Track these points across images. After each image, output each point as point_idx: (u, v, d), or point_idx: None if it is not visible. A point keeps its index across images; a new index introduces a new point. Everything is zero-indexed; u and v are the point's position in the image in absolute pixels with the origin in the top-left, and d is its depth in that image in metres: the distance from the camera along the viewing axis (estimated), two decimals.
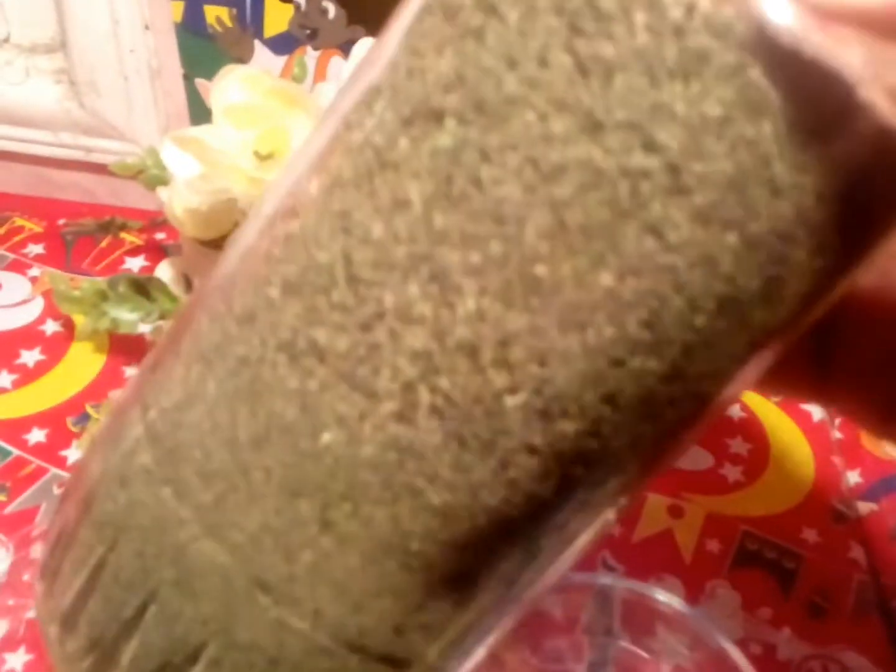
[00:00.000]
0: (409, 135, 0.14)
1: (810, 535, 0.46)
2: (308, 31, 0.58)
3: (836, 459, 0.50)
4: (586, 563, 0.44)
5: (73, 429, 0.51)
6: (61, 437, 0.50)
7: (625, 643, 0.37)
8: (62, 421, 0.51)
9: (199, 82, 0.62)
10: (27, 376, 0.54)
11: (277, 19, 0.57)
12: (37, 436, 0.50)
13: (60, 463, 0.48)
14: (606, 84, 0.13)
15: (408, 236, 0.14)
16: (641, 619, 0.37)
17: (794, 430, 0.52)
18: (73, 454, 0.49)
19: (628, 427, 0.15)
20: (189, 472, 0.17)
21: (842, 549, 0.45)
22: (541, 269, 0.14)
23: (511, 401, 0.14)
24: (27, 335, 0.57)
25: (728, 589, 0.43)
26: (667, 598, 0.35)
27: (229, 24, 0.58)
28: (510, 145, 0.13)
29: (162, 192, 0.46)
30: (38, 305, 0.59)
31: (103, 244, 0.66)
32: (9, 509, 0.46)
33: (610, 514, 0.17)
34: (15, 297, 0.60)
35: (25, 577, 0.41)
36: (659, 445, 0.16)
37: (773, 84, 0.13)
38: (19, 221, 0.68)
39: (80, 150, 0.66)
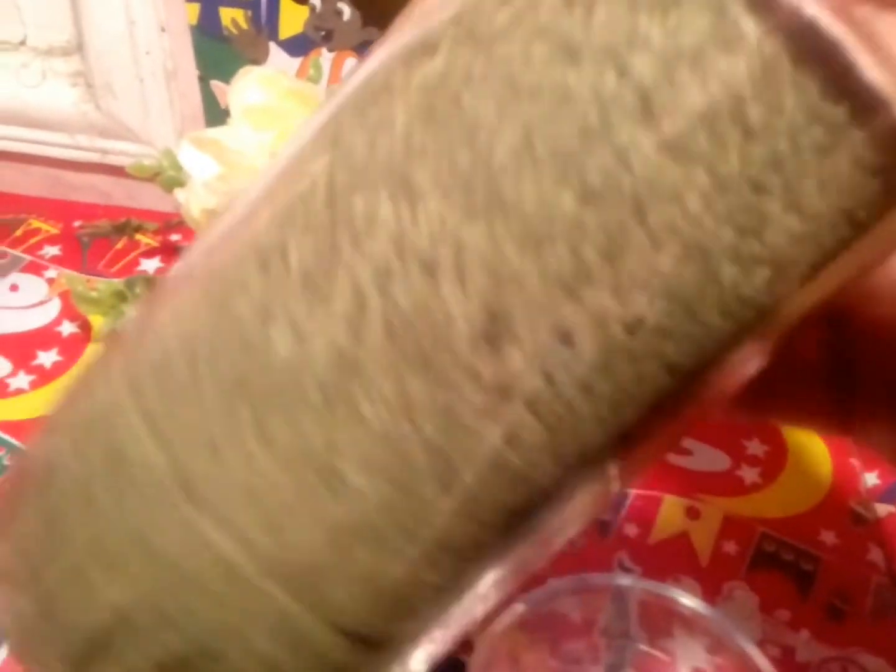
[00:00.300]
0: (407, 65, 0.15)
1: (828, 536, 0.45)
2: (323, 33, 0.58)
3: (854, 461, 0.50)
4: (603, 564, 0.44)
5: None
6: None
7: (643, 645, 0.37)
8: None
9: (215, 84, 0.62)
10: (44, 377, 0.54)
11: (292, 21, 0.58)
12: None
13: None
14: (588, 13, 0.13)
15: (387, 151, 0.14)
16: (659, 621, 0.36)
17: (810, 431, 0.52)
18: None
19: (583, 373, 0.14)
20: (144, 369, 0.16)
21: (860, 552, 0.45)
22: (505, 184, 0.14)
23: (461, 320, 0.14)
24: (44, 336, 0.57)
25: (745, 591, 0.43)
26: (685, 598, 0.35)
27: (244, 25, 0.58)
28: (493, 69, 0.14)
29: (179, 194, 0.46)
30: (54, 307, 0.60)
31: (119, 246, 0.66)
32: None
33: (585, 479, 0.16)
34: (32, 299, 0.60)
35: None
36: (625, 403, 0.15)
37: (753, 21, 0.12)
38: (35, 223, 0.68)
39: (96, 153, 0.67)
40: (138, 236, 0.67)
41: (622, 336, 0.14)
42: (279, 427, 0.15)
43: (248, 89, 0.34)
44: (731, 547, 0.45)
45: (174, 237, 0.67)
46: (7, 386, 0.53)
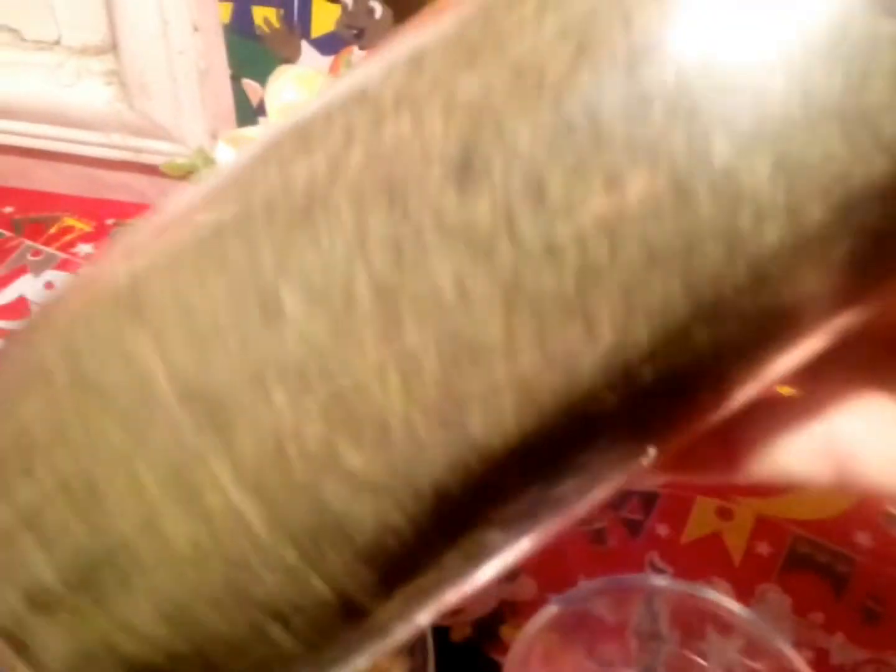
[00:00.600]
0: None
1: (863, 538, 0.45)
2: (355, 31, 0.58)
3: None
4: (634, 564, 0.44)
5: None
6: None
7: (675, 646, 0.37)
8: None
9: (247, 83, 0.62)
10: None
11: (325, 19, 0.58)
12: None
13: None
14: None
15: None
16: (692, 622, 0.36)
17: None
18: None
19: (547, 232, 0.14)
20: (146, 260, 0.16)
21: (895, 554, 0.44)
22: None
23: (436, 157, 0.14)
24: None
25: (779, 593, 0.43)
26: (718, 599, 0.35)
27: (277, 24, 0.59)
28: None
29: None
30: None
31: None
32: None
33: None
34: None
35: None
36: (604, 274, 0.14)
37: None
38: (69, 221, 0.69)
39: (129, 151, 0.67)
40: None
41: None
42: (236, 245, 0.15)
43: (284, 88, 0.34)
44: (763, 548, 0.45)
45: None
46: None
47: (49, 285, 0.62)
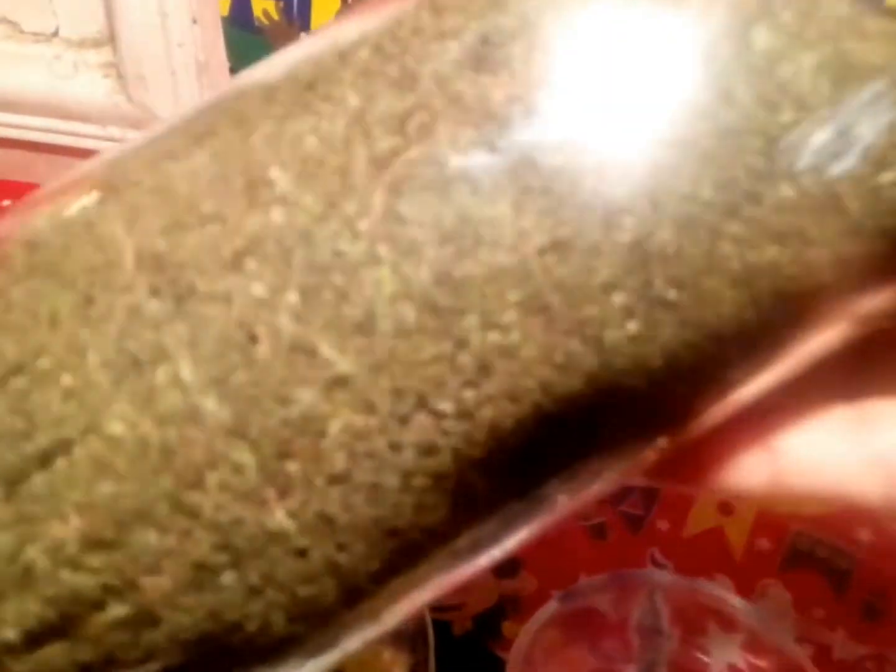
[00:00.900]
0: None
1: (864, 535, 0.45)
2: None
3: None
4: (635, 559, 0.44)
5: None
6: None
7: (676, 642, 0.37)
8: None
9: None
10: None
11: (324, 12, 0.57)
12: None
13: None
14: None
15: None
16: (693, 618, 0.36)
17: None
18: None
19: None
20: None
21: None
22: None
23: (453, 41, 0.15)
24: None
25: (780, 588, 0.43)
26: (720, 594, 0.35)
27: (276, 17, 0.58)
28: None
29: None
30: None
31: None
32: None
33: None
34: None
35: None
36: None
37: None
38: None
39: None
40: None
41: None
42: (226, 124, 0.15)
43: None
44: (764, 544, 0.45)
45: None
46: None
47: None
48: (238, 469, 0.13)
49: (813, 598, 0.42)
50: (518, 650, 0.30)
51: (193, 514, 0.14)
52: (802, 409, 0.18)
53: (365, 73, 0.14)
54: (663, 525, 0.45)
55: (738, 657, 0.35)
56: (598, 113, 0.14)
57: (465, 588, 0.42)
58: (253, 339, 0.13)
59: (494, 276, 0.13)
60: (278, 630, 0.14)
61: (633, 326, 0.14)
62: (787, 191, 0.14)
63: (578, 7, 0.14)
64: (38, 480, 0.14)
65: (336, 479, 0.14)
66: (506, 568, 0.43)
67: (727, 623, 0.35)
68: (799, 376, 0.17)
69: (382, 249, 0.13)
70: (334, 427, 0.13)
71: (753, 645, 0.34)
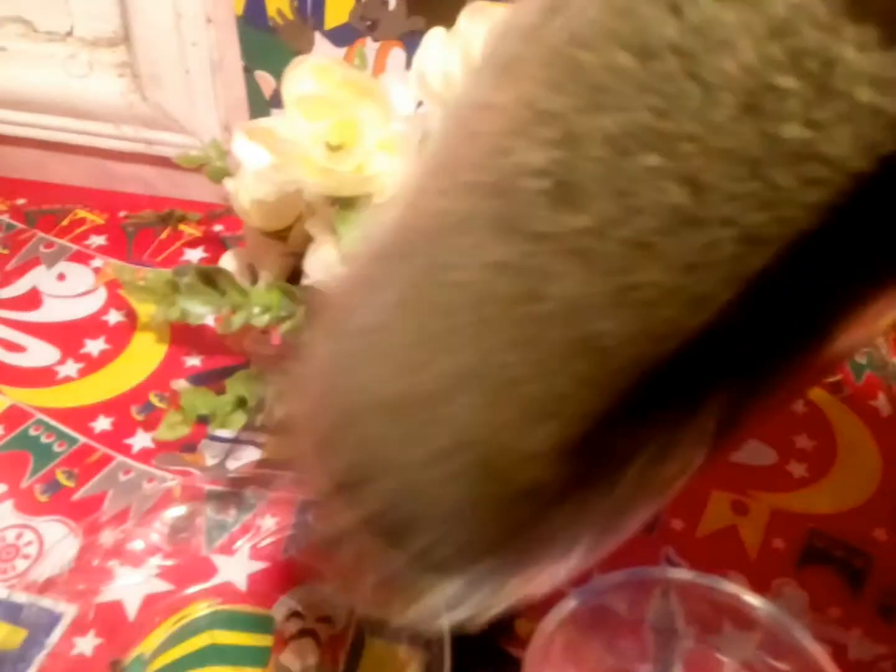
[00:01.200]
0: None
1: (880, 534, 0.45)
2: (368, 23, 0.58)
3: None
4: (649, 558, 0.43)
5: (138, 417, 0.51)
6: (126, 426, 0.51)
7: (692, 641, 0.36)
8: (126, 409, 0.52)
9: (259, 75, 0.62)
10: (92, 365, 0.55)
11: (338, 11, 0.57)
12: (102, 424, 0.51)
13: (126, 450, 0.49)
14: None
15: None
16: (708, 616, 0.36)
17: (860, 426, 0.51)
18: (137, 442, 0.49)
19: None
20: None
21: None
22: None
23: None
24: (91, 325, 0.58)
25: (795, 588, 0.42)
26: (739, 592, 0.34)
27: (290, 16, 0.59)
28: None
29: (228, 183, 0.46)
30: (100, 296, 0.60)
31: (163, 236, 0.66)
32: (77, 496, 0.46)
33: None
34: (78, 288, 0.61)
35: (95, 563, 0.42)
36: None
37: None
38: (81, 213, 0.69)
39: (141, 143, 0.67)
40: (182, 227, 0.67)
41: None
42: None
43: (301, 79, 0.34)
44: (779, 543, 0.44)
45: (217, 228, 0.67)
46: (56, 374, 0.54)
47: (61, 277, 0.62)
48: None
49: (828, 598, 0.42)
50: (535, 648, 0.30)
51: None
52: None
53: None
54: (677, 524, 0.45)
55: (756, 658, 0.34)
56: None
57: None
58: None
59: None
60: None
61: None
62: None
63: None
64: None
65: None
66: None
67: (744, 621, 0.35)
68: None
69: None
70: None
71: (771, 645, 0.33)
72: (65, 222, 0.67)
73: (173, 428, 0.40)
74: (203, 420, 0.45)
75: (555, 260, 0.17)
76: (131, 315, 0.58)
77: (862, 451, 0.50)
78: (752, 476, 0.48)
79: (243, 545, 0.44)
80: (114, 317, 0.59)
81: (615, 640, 0.35)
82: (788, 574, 0.43)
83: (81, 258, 0.64)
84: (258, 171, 0.36)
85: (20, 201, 0.70)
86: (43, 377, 0.54)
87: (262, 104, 0.63)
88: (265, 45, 0.60)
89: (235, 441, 0.50)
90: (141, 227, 0.67)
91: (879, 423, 0.51)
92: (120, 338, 0.57)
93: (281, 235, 0.44)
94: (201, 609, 0.41)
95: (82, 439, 0.50)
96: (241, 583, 0.42)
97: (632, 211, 0.15)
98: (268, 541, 0.44)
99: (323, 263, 0.36)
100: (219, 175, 0.51)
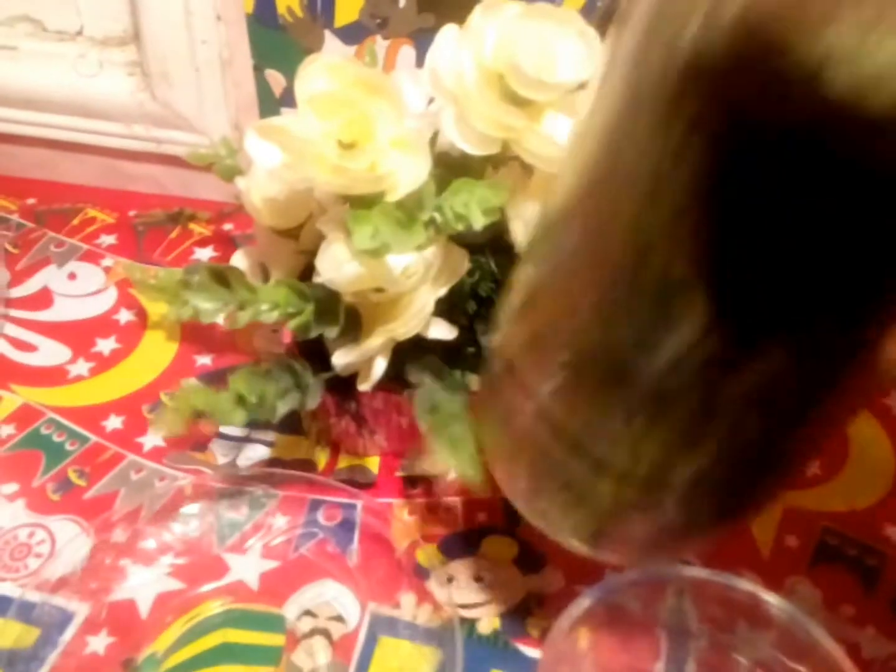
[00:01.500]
0: None
1: (893, 532, 0.45)
2: (378, 21, 0.57)
3: None
4: None
5: (149, 416, 0.51)
6: (137, 424, 0.51)
7: (705, 639, 0.36)
8: (138, 408, 0.52)
9: (269, 73, 0.62)
10: (103, 364, 0.55)
11: (348, 9, 0.57)
12: (114, 423, 0.51)
13: (137, 449, 0.49)
14: None
15: None
16: (722, 615, 0.36)
17: (873, 424, 0.51)
18: (148, 441, 0.49)
19: None
20: None
21: None
22: None
23: None
24: (102, 324, 0.58)
25: (808, 586, 0.42)
26: (754, 590, 0.34)
27: (300, 14, 0.58)
28: None
29: (240, 181, 0.46)
30: (111, 295, 0.60)
31: (173, 235, 0.66)
32: (88, 494, 0.46)
33: None
34: (89, 287, 0.61)
35: (107, 561, 0.42)
36: None
37: None
38: (92, 212, 0.69)
39: (151, 142, 0.67)
40: (192, 226, 0.67)
41: None
42: None
43: (314, 77, 0.33)
44: (792, 541, 0.44)
45: (227, 226, 0.67)
46: (67, 373, 0.54)
47: (72, 276, 0.62)
48: None
49: (842, 596, 0.42)
50: (550, 647, 0.30)
51: None
52: None
53: None
54: None
55: (770, 655, 0.34)
56: None
57: (490, 585, 0.42)
58: None
59: None
60: None
61: None
62: None
63: None
64: None
65: None
66: (531, 564, 0.43)
67: (759, 620, 0.34)
68: None
69: None
70: None
71: (787, 643, 0.33)
72: (75, 221, 0.68)
73: (166, 423, 0.40)
74: (200, 416, 0.44)
75: None
76: (142, 314, 0.59)
77: (875, 450, 0.49)
78: None
79: (255, 544, 0.44)
80: (124, 315, 0.59)
81: (629, 638, 0.35)
82: (801, 572, 0.43)
83: (92, 257, 0.64)
84: (270, 170, 0.35)
85: (30, 201, 0.70)
86: (54, 376, 0.54)
87: (271, 102, 0.63)
88: (275, 43, 0.60)
89: (246, 440, 0.50)
90: (151, 225, 0.67)
91: (893, 421, 0.51)
92: (131, 337, 0.57)
93: (292, 234, 0.44)
94: (213, 608, 0.41)
95: (94, 438, 0.50)
96: (252, 581, 0.42)
97: None
98: (279, 539, 0.44)
99: (335, 261, 0.36)
100: (229, 173, 0.51)
